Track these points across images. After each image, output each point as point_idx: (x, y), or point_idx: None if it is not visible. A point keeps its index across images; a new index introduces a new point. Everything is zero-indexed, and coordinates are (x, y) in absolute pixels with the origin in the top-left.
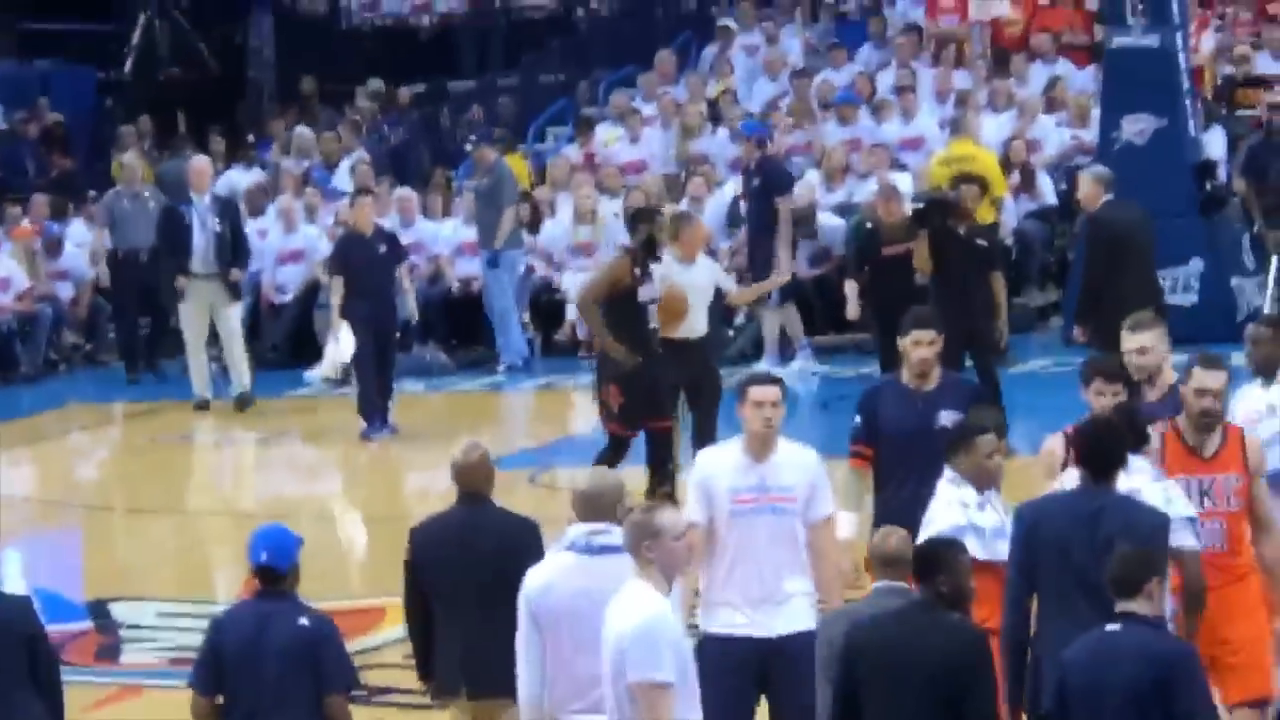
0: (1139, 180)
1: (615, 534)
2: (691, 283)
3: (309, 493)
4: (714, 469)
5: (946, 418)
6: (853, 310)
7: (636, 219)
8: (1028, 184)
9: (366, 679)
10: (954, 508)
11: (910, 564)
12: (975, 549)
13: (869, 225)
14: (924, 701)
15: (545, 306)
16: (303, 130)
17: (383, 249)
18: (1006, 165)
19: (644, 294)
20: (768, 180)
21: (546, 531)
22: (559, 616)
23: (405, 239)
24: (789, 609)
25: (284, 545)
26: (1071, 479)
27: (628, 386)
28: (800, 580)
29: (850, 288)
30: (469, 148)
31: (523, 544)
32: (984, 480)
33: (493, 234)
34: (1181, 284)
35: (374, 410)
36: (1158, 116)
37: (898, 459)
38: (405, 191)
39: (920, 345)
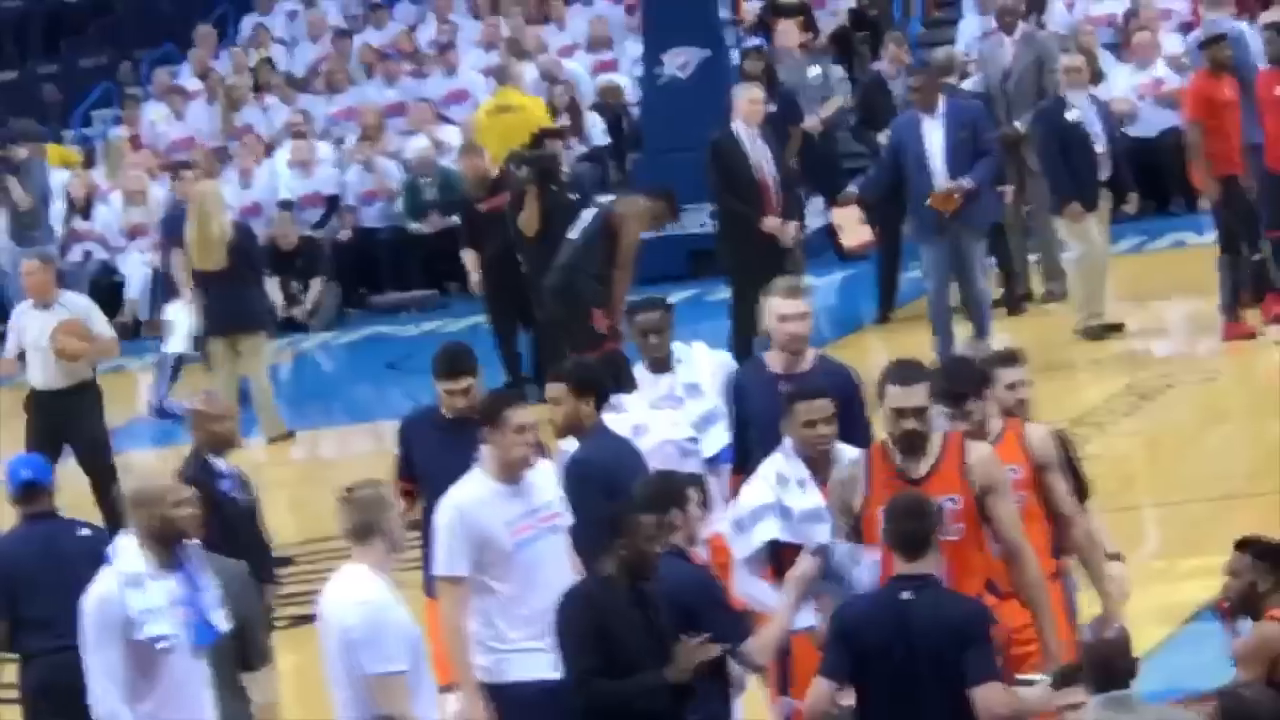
0: (686, 113)
1: (116, 543)
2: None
3: None
4: (473, 508)
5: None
6: (476, 281)
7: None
8: (576, 127)
9: None
10: (764, 485)
11: None
12: (775, 530)
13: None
14: None
15: (105, 290)
16: None
17: None
18: (553, 110)
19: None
20: None
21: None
22: None
23: None
24: None
25: (41, 463)
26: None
27: None
28: None
29: (469, 257)
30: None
31: None
32: (813, 453)
33: (40, 229)
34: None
35: None
36: (700, 49)
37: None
38: None
39: (454, 394)
